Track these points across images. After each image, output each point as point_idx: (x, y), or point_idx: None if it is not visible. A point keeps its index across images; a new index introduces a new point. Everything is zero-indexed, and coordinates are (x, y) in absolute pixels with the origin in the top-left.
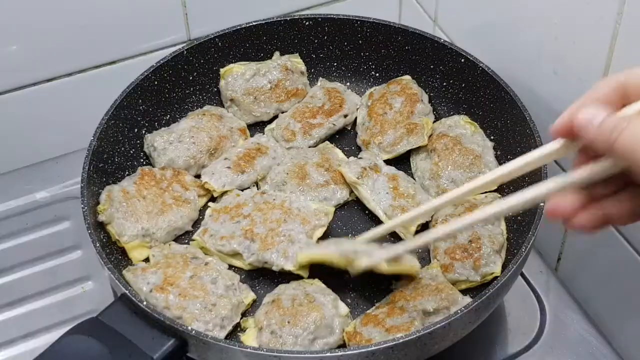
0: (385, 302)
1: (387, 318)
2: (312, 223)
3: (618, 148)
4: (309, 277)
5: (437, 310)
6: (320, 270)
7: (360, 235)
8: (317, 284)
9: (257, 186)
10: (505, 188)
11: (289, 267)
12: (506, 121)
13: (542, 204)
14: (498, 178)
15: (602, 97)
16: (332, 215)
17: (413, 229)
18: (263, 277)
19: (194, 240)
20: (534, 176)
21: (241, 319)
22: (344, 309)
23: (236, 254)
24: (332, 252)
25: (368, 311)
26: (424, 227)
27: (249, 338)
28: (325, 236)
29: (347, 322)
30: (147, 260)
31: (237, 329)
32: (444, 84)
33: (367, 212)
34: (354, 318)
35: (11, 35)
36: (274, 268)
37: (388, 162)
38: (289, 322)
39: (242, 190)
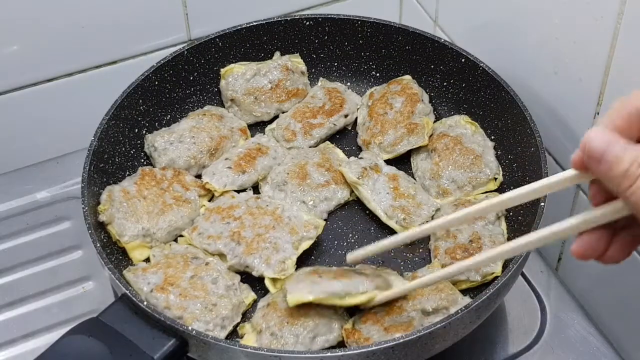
0: None
1: (387, 316)
2: (300, 234)
3: (631, 200)
4: None
5: (437, 310)
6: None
7: (361, 236)
8: None
9: (258, 186)
10: (506, 187)
11: (269, 274)
12: (506, 121)
13: (542, 204)
14: (507, 201)
15: (619, 123)
16: (321, 229)
17: None
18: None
19: (182, 236)
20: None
21: (242, 318)
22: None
23: (221, 255)
24: (322, 295)
25: None
26: None
27: (249, 342)
28: (317, 244)
29: (344, 318)
30: (147, 260)
31: (237, 329)
32: (445, 83)
33: (367, 212)
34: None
35: (11, 35)
36: (254, 273)
37: (389, 162)
38: (287, 323)
39: (242, 191)
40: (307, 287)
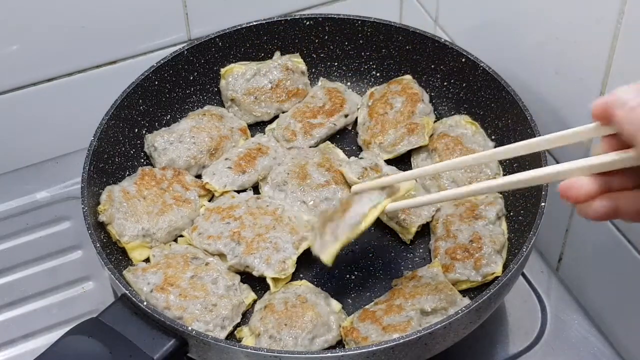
0: (384, 298)
1: (385, 316)
2: (301, 234)
3: None
4: (296, 280)
5: (435, 310)
6: (309, 272)
7: (361, 236)
8: (306, 284)
9: (258, 186)
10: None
11: (270, 273)
12: (507, 121)
13: (543, 204)
14: (514, 150)
15: None
16: None
17: (413, 230)
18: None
19: (182, 236)
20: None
21: (242, 319)
22: (336, 305)
23: (221, 255)
24: (345, 236)
25: (366, 307)
26: (424, 227)
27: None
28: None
29: (341, 317)
30: (147, 260)
31: (235, 333)
32: (445, 83)
33: None
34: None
35: (11, 35)
36: (255, 273)
37: (389, 162)
38: (286, 325)
39: (243, 191)
40: (330, 238)
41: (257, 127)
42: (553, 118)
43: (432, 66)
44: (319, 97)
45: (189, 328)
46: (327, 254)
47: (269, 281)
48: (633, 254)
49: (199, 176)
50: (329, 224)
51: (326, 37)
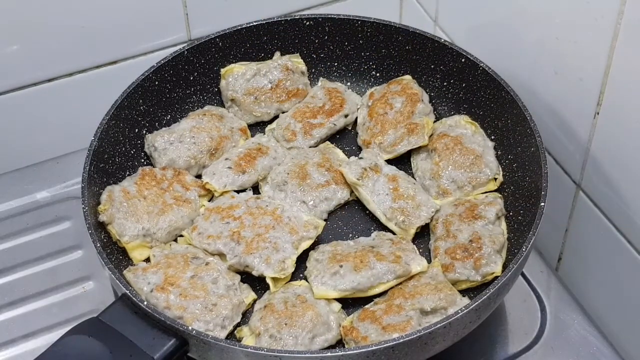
0: (383, 298)
1: (385, 315)
2: (300, 234)
3: None
4: (296, 280)
5: (435, 310)
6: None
7: (361, 236)
8: (305, 284)
9: (258, 186)
10: (506, 187)
11: (269, 273)
12: (507, 121)
13: (542, 204)
14: None
15: None
16: (321, 229)
17: (412, 231)
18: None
19: (182, 236)
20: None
21: (242, 318)
22: (336, 305)
23: (221, 255)
24: (346, 292)
25: (366, 306)
26: (423, 227)
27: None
28: (316, 244)
29: (341, 317)
30: (147, 260)
31: (235, 333)
32: (445, 83)
33: (367, 212)
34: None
35: (11, 35)
36: (254, 273)
37: (389, 162)
38: (286, 324)
39: (242, 191)
40: (331, 282)
41: (257, 127)
42: (552, 118)
43: (432, 66)
44: (319, 97)
45: (189, 328)
46: (319, 293)
47: (269, 281)
48: (633, 254)
49: (199, 176)
50: (335, 266)
51: (326, 37)
